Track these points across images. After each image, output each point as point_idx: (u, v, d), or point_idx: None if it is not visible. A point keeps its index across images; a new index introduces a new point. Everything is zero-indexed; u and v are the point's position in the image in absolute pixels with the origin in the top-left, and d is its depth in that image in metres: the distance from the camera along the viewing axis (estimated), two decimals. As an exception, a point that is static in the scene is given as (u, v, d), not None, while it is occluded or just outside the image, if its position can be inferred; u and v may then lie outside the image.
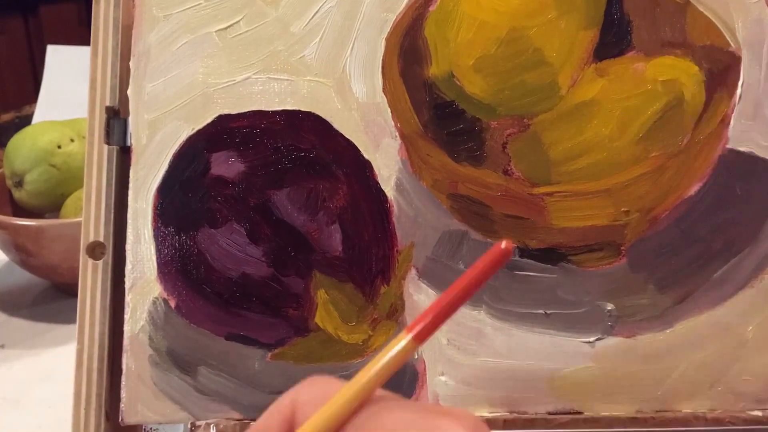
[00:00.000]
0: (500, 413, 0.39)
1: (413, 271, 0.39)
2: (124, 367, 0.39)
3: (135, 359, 0.39)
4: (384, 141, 0.40)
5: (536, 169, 0.39)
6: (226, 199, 0.39)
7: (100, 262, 0.40)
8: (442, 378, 0.39)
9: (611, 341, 0.39)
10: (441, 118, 0.40)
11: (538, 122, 0.39)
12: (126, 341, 0.39)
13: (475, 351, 0.39)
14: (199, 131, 0.40)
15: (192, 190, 0.40)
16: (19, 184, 0.68)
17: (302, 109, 0.40)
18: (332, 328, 0.39)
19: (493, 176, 0.39)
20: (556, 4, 0.39)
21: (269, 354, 0.39)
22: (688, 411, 0.39)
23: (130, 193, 0.40)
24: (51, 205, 0.69)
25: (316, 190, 0.39)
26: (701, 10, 0.39)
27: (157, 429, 0.45)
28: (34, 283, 0.70)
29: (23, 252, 0.63)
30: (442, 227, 0.40)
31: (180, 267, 0.39)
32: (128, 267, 0.40)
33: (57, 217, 0.68)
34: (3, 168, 0.70)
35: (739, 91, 0.39)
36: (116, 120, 0.41)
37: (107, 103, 0.41)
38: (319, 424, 0.22)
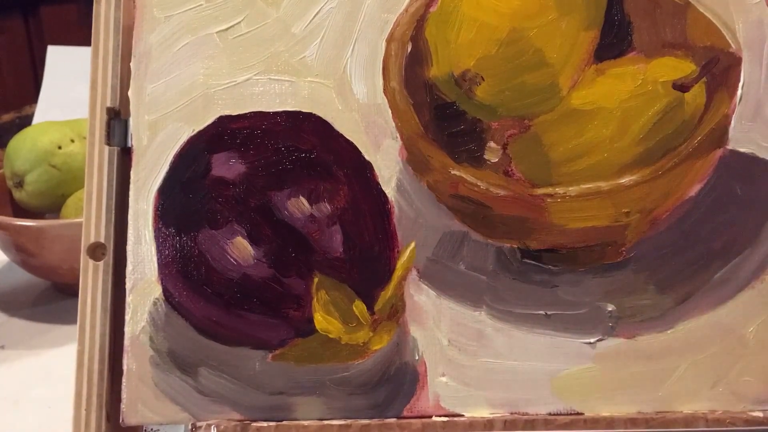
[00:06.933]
0: (501, 414, 0.39)
1: (414, 272, 0.40)
2: (124, 367, 0.39)
3: (136, 360, 0.39)
4: (385, 142, 0.40)
5: (537, 170, 0.39)
6: (226, 200, 0.39)
7: (100, 263, 0.40)
8: (443, 379, 0.39)
9: (612, 342, 0.39)
10: (442, 120, 0.40)
11: (538, 123, 0.39)
12: (127, 342, 0.39)
13: (475, 352, 0.39)
14: (199, 132, 0.40)
15: (193, 191, 0.40)
16: (20, 184, 0.68)
17: (303, 110, 0.40)
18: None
19: (493, 177, 0.39)
20: (557, 6, 0.39)
21: (270, 355, 0.39)
22: (689, 412, 0.39)
23: (131, 194, 0.40)
24: (51, 206, 0.69)
25: (317, 191, 0.39)
26: (701, 11, 0.39)
27: (158, 430, 0.45)
28: (34, 284, 0.70)
29: (23, 252, 0.63)
30: (443, 228, 0.40)
31: (181, 268, 0.39)
32: (129, 268, 0.40)
33: (57, 217, 0.68)
34: (3, 168, 0.70)
35: (739, 92, 0.39)
36: (117, 121, 0.41)
37: (108, 104, 0.41)
38: None
